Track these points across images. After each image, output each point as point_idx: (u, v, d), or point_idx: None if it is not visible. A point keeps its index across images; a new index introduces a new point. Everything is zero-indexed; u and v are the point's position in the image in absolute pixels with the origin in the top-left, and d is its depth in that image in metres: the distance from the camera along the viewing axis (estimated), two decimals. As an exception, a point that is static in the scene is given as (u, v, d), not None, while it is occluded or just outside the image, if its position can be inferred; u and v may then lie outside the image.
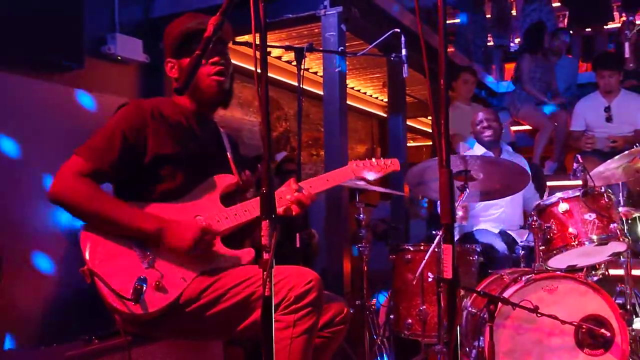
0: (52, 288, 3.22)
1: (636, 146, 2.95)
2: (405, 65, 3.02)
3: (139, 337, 1.77)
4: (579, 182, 2.85)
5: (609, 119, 5.06)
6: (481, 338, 2.61)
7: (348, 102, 6.64)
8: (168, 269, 1.77)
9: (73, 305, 3.02)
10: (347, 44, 4.16)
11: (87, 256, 1.74)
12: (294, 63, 5.35)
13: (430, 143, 7.64)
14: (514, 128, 6.22)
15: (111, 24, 3.98)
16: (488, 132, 3.83)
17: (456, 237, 3.81)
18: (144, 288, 1.71)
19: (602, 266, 3.08)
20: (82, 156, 1.79)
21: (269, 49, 5.13)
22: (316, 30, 4.24)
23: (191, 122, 1.98)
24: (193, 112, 2.00)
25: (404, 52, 3.01)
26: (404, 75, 3.04)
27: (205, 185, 1.92)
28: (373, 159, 2.21)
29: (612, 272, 3.32)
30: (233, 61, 2.07)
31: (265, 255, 1.30)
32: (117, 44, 3.89)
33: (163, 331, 1.80)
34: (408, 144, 6.28)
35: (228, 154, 2.08)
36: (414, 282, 2.93)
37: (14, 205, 3.14)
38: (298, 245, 2.93)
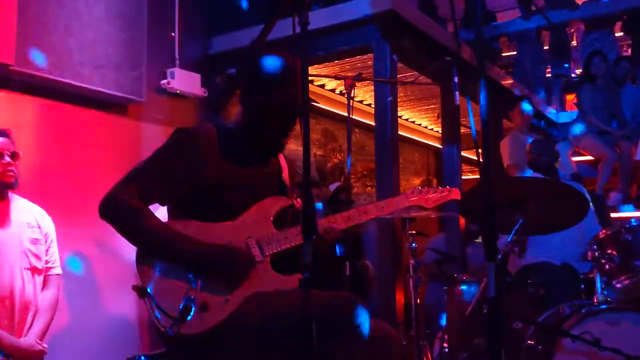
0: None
1: None
2: (457, 92, 2.99)
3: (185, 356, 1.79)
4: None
5: (678, 150, 4.85)
6: (539, 373, 2.50)
7: (403, 133, 6.67)
8: (215, 290, 1.79)
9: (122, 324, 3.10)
10: (399, 75, 4.18)
11: (138, 273, 1.79)
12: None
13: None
14: (576, 159, 6.02)
15: (171, 59, 4.15)
16: (545, 158, 3.73)
17: (515, 270, 3.71)
18: (192, 308, 1.74)
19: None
20: (130, 179, 1.86)
21: (322, 82, 5.23)
22: (369, 63, 4.28)
23: (245, 144, 2.01)
24: (250, 138, 2.03)
25: (455, 79, 2.99)
26: (455, 103, 3.01)
27: (258, 207, 1.94)
28: (432, 187, 2.19)
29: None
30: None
31: (306, 274, 1.31)
32: (176, 79, 4.04)
33: (209, 353, 1.81)
34: (465, 177, 6.18)
35: (283, 175, 2.11)
36: (467, 314, 2.85)
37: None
38: (348, 273, 2.90)
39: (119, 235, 1.85)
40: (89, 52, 3.43)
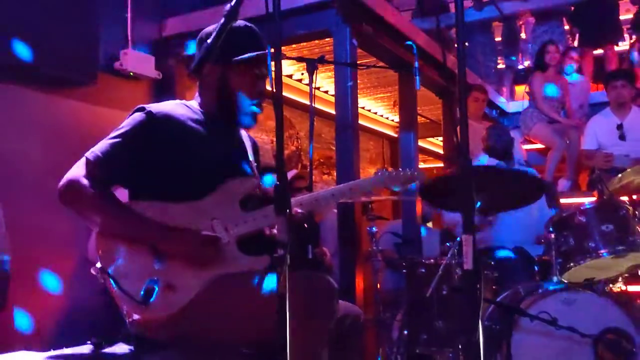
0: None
1: None
2: (417, 77, 3.00)
3: (149, 342, 1.73)
4: (594, 199, 2.82)
5: (621, 137, 5.02)
6: (499, 352, 2.56)
7: (359, 121, 6.68)
8: (181, 271, 1.74)
9: (86, 309, 3.02)
10: (358, 61, 4.17)
11: (100, 255, 1.72)
12: (306, 82, 5.39)
13: (442, 165, 7.60)
14: (525, 147, 6.18)
15: (124, 41, 4.02)
16: (501, 144, 3.81)
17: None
18: (155, 290, 1.68)
19: (620, 280, 3.02)
20: (90, 160, 1.78)
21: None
22: (328, 48, 4.25)
23: (210, 124, 1.96)
24: (214, 117, 1.98)
25: (415, 64, 3.00)
26: (416, 88, 3.03)
27: (225, 188, 1.89)
28: (400, 168, 2.18)
29: (631, 288, 3.26)
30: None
31: (280, 252, 1.28)
32: (129, 60, 3.92)
33: (174, 336, 1.76)
34: (420, 165, 6.26)
35: (250, 157, 2.07)
36: (427, 295, 2.88)
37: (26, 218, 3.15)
38: (310, 256, 2.90)
39: (76, 218, 1.78)
40: (37, 31, 3.27)
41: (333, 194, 2.01)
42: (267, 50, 1.89)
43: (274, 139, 5.32)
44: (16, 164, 3.29)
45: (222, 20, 1.49)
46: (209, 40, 1.51)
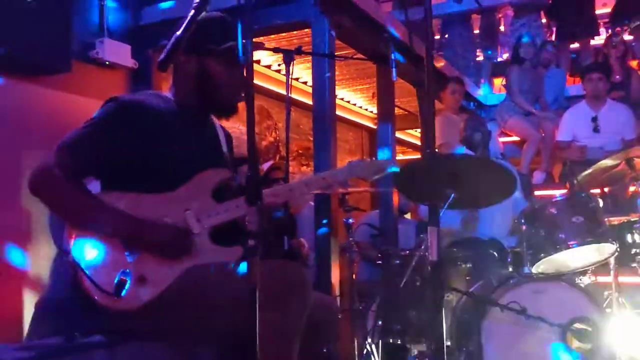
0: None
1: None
2: (394, 69, 3.02)
3: (123, 332, 1.73)
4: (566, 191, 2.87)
5: (596, 130, 5.10)
6: (470, 341, 2.60)
7: (338, 113, 6.67)
8: (153, 262, 1.74)
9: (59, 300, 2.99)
10: (336, 53, 4.18)
11: (71, 247, 1.71)
12: (284, 72, 5.39)
13: (420, 156, 7.65)
14: (501, 139, 6.25)
15: (100, 29, 3.98)
16: (477, 135, 3.85)
17: (445, 244, 3.83)
18: (128, 282, 1.68)
19: (590, 271, 3.09)
20: (62, 151, 1.77)
21: (258, 57, 5.15)
22: (306, 39, 4.25)
23: (184, 115, 1.96)
24: (189, 108, 1.98)
25: (392, 56, 3.01)
26: (392, 79, 3.04)
27: (197, 179, 1.89)
28: (373, 158, 2.19)
29: (600, 279, 3.33)
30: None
31: (251, 242, 1.29)
32: (105, 49, 3.88)
33: (147, 327, 1.76)
34: (398, 157, 6.28)
35: (223, 148, 2.07)
36: (401, 286, 2.92)
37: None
38: (286, 248, 2.91)
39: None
40: (9, 18, 3.22)
41: (306, 184, 2.02)
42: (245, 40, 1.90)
43: (252, 130, 5.23)
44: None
45: (192, 12, 1.48)
46: (178, 32, 1.50)
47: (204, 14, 1.57)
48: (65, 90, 3.70)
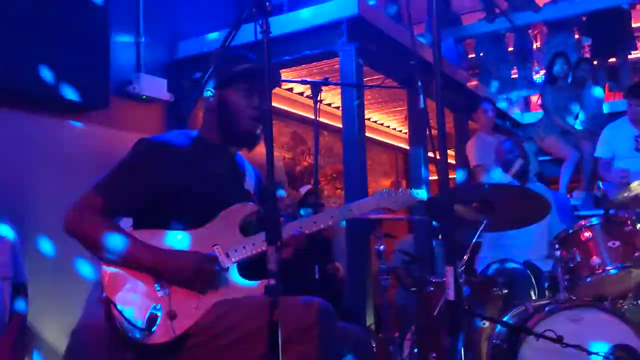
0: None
1: None
2: (421, 96, 3.03)
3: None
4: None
5: (638, 149, 4.92)
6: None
7: (372, 135, 6.71)
8: (182, 297, 1.79)
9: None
10: (365, 78, 4.21)
11: (105, 284, 1.77)
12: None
13: (455, 176, 7.59)
14: (540, 158, 6.15)
15: (137, 65, 4.11)
16: (519, 161, 3.79)
17: (480, 269, 3.77)
18: (159, 317, 1.73)
19: (631, 295, 2.99)
20: (95, 192, 1.86)
21: (290, 86, 5.24)
22: (336, 66, 4.31)
23: (207, 152, 2.02)
24: (212, 143, 2.04)
25: (419, 83, 3.03)
26: (420, 106, 3.05)
27: (224, 214, 1.94)
28: (400, 189, 2.20)
29: (643, 303, 3.21)
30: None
31: (270, 281, 1.32)
32: (142, 84, 4.01)
33: (176, 358, 1.80)
34: (431, 177, 6.25)
35: (248, 183, 2.11)
36: (435, 314, 2.88)
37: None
38: (317, 277, 2.92)
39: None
40: (55, 58, 3.37)
41: (332, 216, 2.04)
42: (255, 64, 1.97)
43: (285, 156, 5.40)
44: (33, 192, 3.37)
45: (214, 60, 1.54)
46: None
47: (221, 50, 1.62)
48: (104, 125, 3.83)
